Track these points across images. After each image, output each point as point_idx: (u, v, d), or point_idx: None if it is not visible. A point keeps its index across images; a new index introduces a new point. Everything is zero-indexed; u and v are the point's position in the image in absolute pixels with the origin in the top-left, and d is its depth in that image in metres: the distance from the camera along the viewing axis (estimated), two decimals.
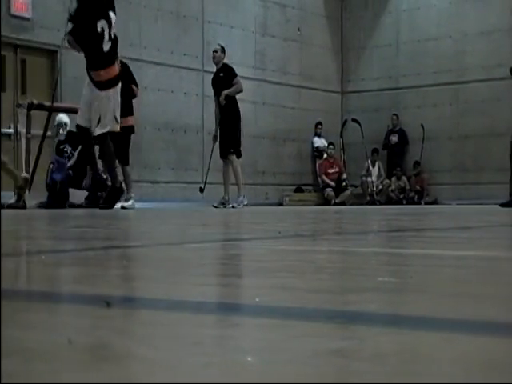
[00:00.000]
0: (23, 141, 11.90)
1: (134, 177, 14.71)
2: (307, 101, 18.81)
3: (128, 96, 11.09)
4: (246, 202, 12.27)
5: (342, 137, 19.31)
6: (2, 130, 12.00)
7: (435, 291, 1.50)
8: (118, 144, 10.95)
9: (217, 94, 12.37)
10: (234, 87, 12.25)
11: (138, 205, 12.04)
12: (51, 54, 13.70)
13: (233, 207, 12.04)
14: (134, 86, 11.40)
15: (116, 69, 10.03)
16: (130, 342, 0.97)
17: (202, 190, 13.20)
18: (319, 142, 19.00)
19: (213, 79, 12.63)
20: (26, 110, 11.88)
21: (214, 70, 12.74)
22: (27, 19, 13.16)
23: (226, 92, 12.17)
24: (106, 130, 9.85)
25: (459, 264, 2.18)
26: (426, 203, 17.65)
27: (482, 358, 0.87)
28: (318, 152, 18.96)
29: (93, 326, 1.09)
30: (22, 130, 11.92)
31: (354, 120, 18.65)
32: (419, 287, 1.57)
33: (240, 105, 12.44)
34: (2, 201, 10.45)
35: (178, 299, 1.41)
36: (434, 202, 17.93)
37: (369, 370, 0.81)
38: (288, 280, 1.70)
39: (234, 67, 12.76)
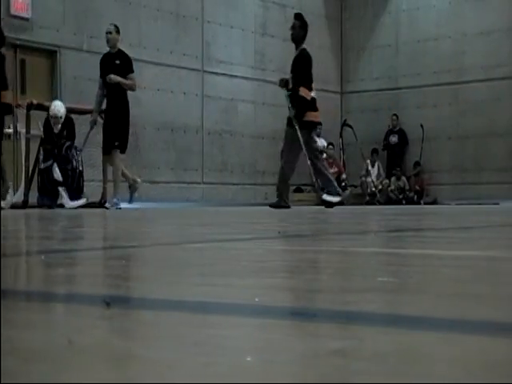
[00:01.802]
0: (23, 141, 11.90)
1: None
2: None
3: None
4: (120, 205, 11.08)
5: (341, 137, 19.31)
6: None
7: (435, 291, 1.50)
8: None
9: (104, 76, 11.23)
10: (129, 82, 11.21)
11: (138, 205, 11.97)
12: (51, 54, 13.70)
13: (106, 208, 10.99)
14: None
15: None
16: (130, 341, 0.97)
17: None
18: (319, 142, 19.00)
19: (104, 60, 11.41)
20: (25, 110, 11.88)
21: (107, 51, 11.52)
22: (27, 19, 13.16)
23: (119, 80, 11.11)
24: None
25: (459, 264, 2.18)
26: (425, 203, 17.64)
27: (482, 357, 0.87)
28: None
29: (93, 326, 1.09)
30: (22, 130, 11.91)
31: (347, 125, 18.68)
32: (419, 287, 1.57)
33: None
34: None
35: (178, 299, 1.41)
36: (434, 202, 17.92)
37: (369, 369, 0.81)
38: (288, 280, 1.70)
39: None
